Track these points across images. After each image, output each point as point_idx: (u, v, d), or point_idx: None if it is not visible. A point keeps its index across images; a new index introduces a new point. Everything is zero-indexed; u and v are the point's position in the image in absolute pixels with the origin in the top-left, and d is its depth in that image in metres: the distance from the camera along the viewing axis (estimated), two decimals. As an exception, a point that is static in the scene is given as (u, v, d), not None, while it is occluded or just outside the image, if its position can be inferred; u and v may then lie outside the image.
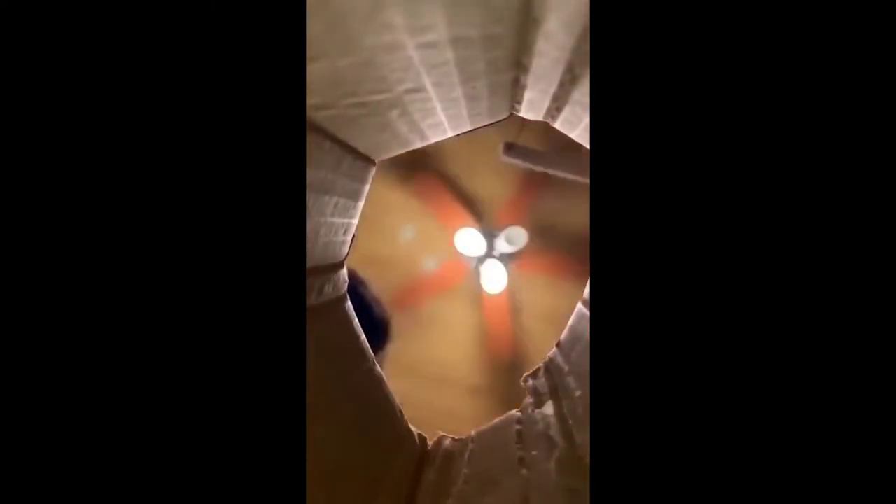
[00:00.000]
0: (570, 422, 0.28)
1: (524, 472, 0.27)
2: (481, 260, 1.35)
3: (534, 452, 0.28)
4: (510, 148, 1.21)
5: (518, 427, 0.30)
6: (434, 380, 1.44)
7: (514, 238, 1.30)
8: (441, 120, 0.32)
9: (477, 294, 1.39)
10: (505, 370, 1.39)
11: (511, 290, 1.38)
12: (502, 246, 1.32)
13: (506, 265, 1.34)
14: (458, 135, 0.37)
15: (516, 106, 0.33)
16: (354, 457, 0.30)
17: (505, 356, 1.40)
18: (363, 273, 0.74)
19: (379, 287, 0.89)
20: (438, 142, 0.36)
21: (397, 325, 1.35)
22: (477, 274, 1.36)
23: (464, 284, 1.39)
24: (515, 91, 0.30)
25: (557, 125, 0.35)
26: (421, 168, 1.30)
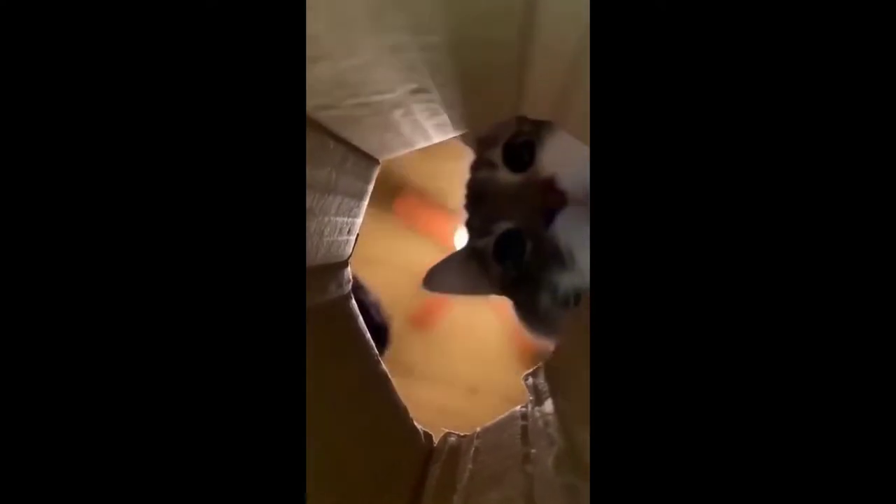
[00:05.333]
0: (570, 420, 0.28)
1: (528, 468, 0.27)
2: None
3: (533, 450, 0.28)
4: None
5: (523, 423, 0.31)
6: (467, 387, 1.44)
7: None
8: (445, 120, 0.32)
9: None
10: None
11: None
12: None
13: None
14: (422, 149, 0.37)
15: (520, 105, 0.33)
16: (360, 454, 0.31)
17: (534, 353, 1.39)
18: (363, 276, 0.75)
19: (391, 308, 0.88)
20: (408, 164, 0.37)
21: (421, 338, 1.35)
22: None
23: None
24: (519, 90, 0.30)
25: (561, 124, 0.35)
26: (398, 193, 1.28)
